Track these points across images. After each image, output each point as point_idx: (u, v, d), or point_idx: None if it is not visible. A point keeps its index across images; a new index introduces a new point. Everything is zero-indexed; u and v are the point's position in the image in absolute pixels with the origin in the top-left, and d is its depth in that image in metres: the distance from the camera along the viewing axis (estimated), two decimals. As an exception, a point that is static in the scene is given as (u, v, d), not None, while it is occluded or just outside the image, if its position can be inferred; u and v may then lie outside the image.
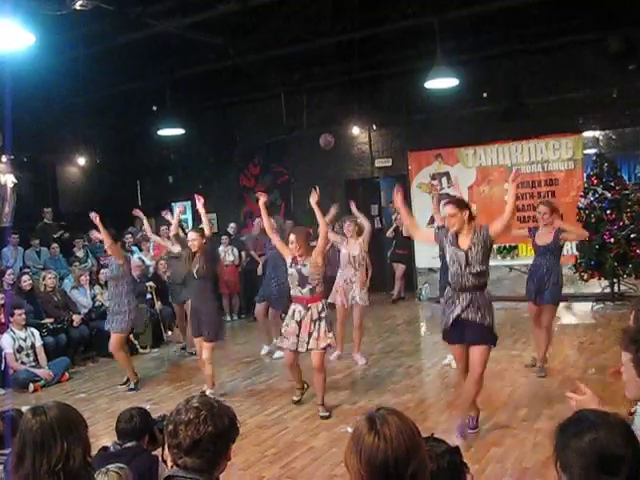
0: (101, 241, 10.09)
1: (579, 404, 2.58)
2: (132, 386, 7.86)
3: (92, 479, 2.46)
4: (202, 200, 7.46)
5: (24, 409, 4.35)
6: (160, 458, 3.40)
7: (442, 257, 6.84)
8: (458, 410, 5.56)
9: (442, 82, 9.84)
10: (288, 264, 6.45)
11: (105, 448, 3.58)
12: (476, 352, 5.21)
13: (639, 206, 10.79)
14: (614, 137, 12.37)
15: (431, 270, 13.16)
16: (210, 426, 2.30)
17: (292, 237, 6.40)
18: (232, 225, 13.01)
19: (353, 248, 8.24)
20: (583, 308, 10.63)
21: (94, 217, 7.85)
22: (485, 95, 12.27)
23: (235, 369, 8.49)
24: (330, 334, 6.29)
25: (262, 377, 7.99)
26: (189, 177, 15.73)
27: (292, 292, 6.44)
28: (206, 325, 7.03)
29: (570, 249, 11.36)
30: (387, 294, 12.95)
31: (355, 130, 14.03)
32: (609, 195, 10.65)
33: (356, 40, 10.71)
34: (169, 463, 2.52)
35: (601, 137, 12.22)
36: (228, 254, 12.17)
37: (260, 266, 10.95)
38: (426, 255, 12.53)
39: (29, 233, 12.06)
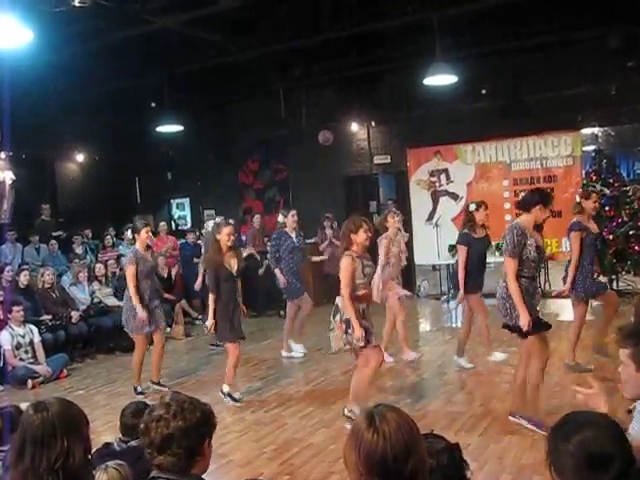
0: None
1: (587, 398, 2.60)
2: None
3: (92, 478, 2.45)
4: None
5: (23, 405, 4.35)
6: None
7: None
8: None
9: (441, 79, 9.84)
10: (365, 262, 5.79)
11: (108, 445, 3.54)
12: None
13: (638, 203, 10.79)
14: (613, 134, 12.39)
15: (434, 268, 13.18)
16: (180, 420, 2.27)
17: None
18: (230, 221, 12.98)
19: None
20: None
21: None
22: (484, 92, 12.27)
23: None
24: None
25: (261, 374, 7.99)
26: (188, 174, 15.73)
27: (364, 291, 5.75)
28: (239, 325, 6.95)
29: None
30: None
31: (354, 127, 14.03)
32: (608, 192, 10.66)
33: (355, 37, 10.69)
34: None
35: (600, 134, 12.23)
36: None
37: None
38: (425, 252, 12.54)
39: (27, 230, 12.06)
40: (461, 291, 7.27)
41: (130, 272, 7.25)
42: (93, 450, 3.32)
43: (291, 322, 8.82)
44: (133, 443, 3.47)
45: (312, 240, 12.21)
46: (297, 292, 8.72)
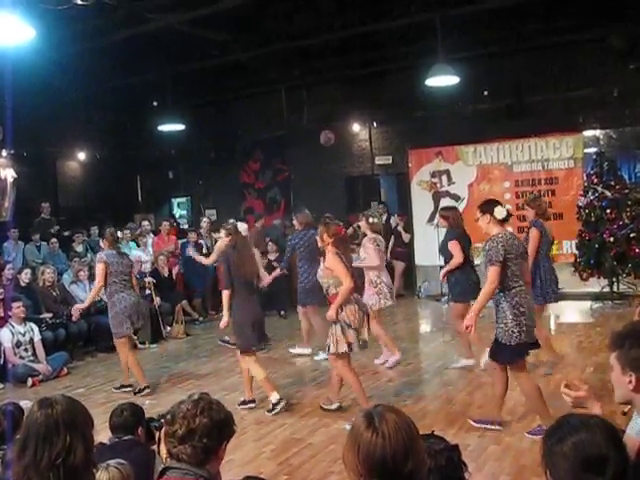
0: None
1: (575, 401, 2.58)
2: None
3: (93, 477, 2.46)
4: None
5: (22, 403, 4.36)
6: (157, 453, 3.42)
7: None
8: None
9: (443, 79, 9.84)
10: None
11: (101, 444, 3.61)
12: None
13: (639, 205, 10.78)
14: (615, 136, 12.36)
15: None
16: (206, 417, 2.40)
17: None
18: (231, 221, 12.97)
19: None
20: (582, 307, 10.60)
21: None
22: (486, 93, 12.28)
23: (233, 365, 8.48)
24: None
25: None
26: (189, 173, 15.75)
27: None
28: None
29: (570, 248, 11.36)
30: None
31: (356, 127, 14.04)
32: (609, 194, 10.64)
33: (357, 36, 10.70)
34: (163, 456, 2.56)
35: (602, 136, 12.21)
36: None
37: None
38: (425, 252, 12.53)
39: (29, 228, 12.06)
40: None
41: None
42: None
43: None
44: (124, 437, 3.65)
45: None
46: None
